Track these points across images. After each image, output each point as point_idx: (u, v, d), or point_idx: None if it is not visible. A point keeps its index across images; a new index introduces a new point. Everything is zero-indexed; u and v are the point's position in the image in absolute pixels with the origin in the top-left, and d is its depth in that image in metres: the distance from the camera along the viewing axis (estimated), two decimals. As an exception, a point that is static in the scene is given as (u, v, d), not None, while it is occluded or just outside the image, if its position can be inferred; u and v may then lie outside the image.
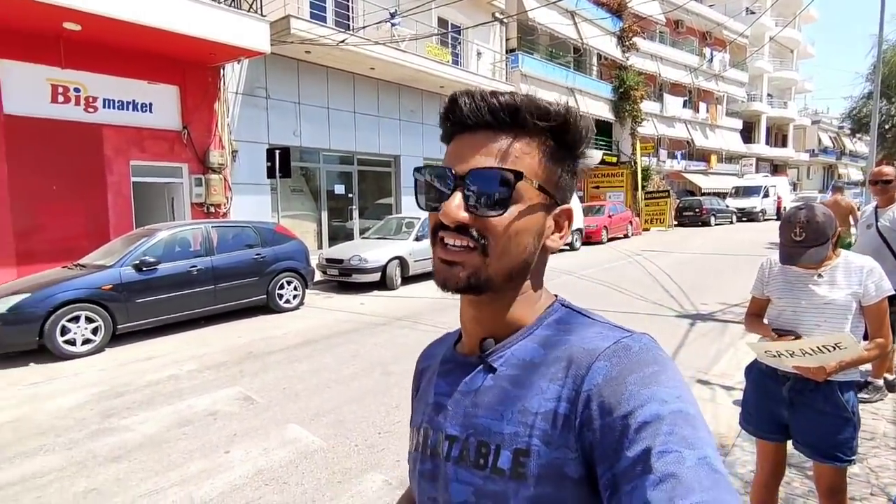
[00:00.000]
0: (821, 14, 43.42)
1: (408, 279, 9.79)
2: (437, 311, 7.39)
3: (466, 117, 0.62)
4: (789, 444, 2.08)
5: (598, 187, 22.60)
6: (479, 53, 15.95)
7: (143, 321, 6.21)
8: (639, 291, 8.51)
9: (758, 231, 19.52)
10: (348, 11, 12.29)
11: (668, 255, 13.21)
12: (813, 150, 41.70)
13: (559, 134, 0.63)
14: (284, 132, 11.31)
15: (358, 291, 9.10)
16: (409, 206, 14.09)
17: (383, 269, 9.22)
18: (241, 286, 7.20)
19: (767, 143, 36.78)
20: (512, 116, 0.60)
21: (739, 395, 4.07)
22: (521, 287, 0.66)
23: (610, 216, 17.48)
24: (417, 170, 0.67)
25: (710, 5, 28.86)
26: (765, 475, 2.14)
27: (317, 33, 10.39)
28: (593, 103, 21.59)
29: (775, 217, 26.85)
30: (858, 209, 6.06)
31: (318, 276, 9.17)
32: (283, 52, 10.60)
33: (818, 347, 1.80)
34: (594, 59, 22.24)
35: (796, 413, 1.98)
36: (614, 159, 22.71)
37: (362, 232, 12.72)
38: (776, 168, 37.76)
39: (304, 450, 3.35)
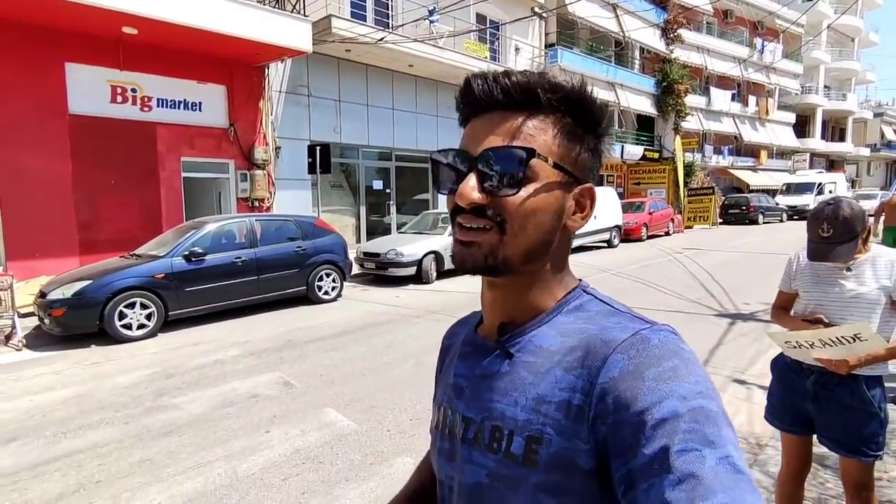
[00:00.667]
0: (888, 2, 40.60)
1: (443, 273, 9.90)
2: (473, 304, 7.46)
3: (480, 99, 0.62)
4: (815, 438, 2.06)
5: (638, 183, 22.11)
6: (517, 49, 15.87)
7: (192, 308, 6.57)
8: (678, 290, 8.34)
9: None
10: (388, 10, 12.49)
11: (710, 254, 12.83)
12: (875, 145, 39.34)
13: (576, 111, 0.62)
14: (325, 129, 11.62)
15: (394, 285, 9.29)
16: (445, 202, 14.20)
17: (419, 263, 9.37)
18: (283, 277, 7.50)
19: (823, 137, 34.91)
20: (525, 95, 0.60)
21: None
22: (541, 270, 0.65)
23: (650, 213, 17.08)
24: (434, 154, 0.67)
25: (763, -7, 27.60)
26: (790, 470, 2.12)
27: (357, 32, 10.63)
28: (635, 98, 21.10)
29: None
30: None
31: (355, 270, 9.41)
32: (324, 51, 10.89)
33: (837, 338, 1.78)
34: (636, 53, 21.71)
35: (821, 407, 1.96)
36: (656, 155, 22.15)
37: (399, 227, 12.93)
38: (832, 164, 35.83)
39: (338, 432, 3.51)
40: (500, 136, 0.60)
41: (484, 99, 0.62)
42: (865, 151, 38.70)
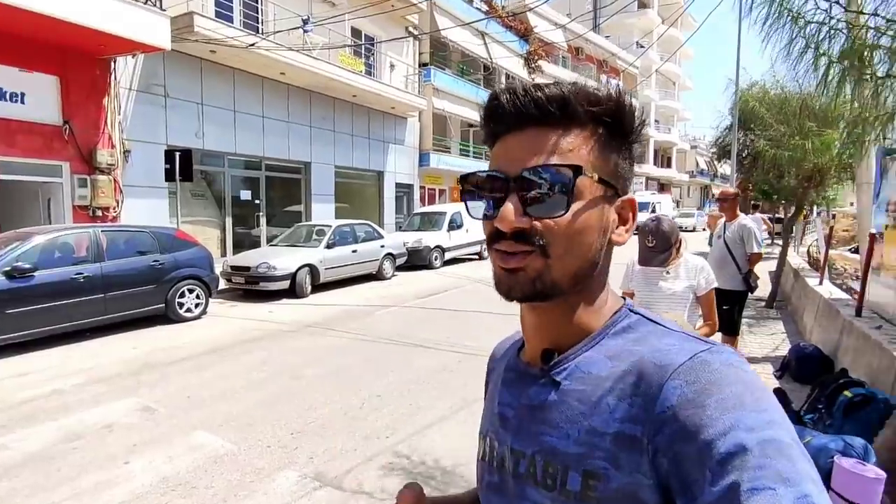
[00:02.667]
0: (696, 52, 49.27)
1: (318, 287, 9.66)
2: (349, 318, 7.41)
3: (511, 115, 0.58)
4: None
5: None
6: (392, 65, 16.19)
7: (17, 334, 5.60)
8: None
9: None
10: (257, 13, 11.98)
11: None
12: (692, 172, 46.91)
13: (611, 120, 0.58)
14: (185, 133, 10.71)
15: (266, 300, 8.82)
16: (321, 214, 13.89)
17: (293, 276, 9.03)
18: (136, 294, 6.73)
19: (655, 163, 40.74)
20: (561, 108, 0.56)
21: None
22: (586, 290, 0.61)
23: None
24: (464, 178, 0.62)
25: (607, 36, 31.60)
26: None
27: (224, 33, 10.02)
28: (501, 120, 22.65)
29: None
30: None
31: (222, 285, 8.77)
32: (184, 50, 10.08)
33: None
34: (502, 78, 23.40)
35: None
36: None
37: (270, 240, 12.31)
38: (662, 186, 41.87)
39: (212, 454, 3.27)
40: (540, 153, 0.56)
41: (516, 115, 0.58)
42: (685, 177, 46.03)
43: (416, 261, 12.69)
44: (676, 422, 0.48)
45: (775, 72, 8.41)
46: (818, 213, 15.50)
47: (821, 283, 6.41)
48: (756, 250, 4.39)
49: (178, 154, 9.12)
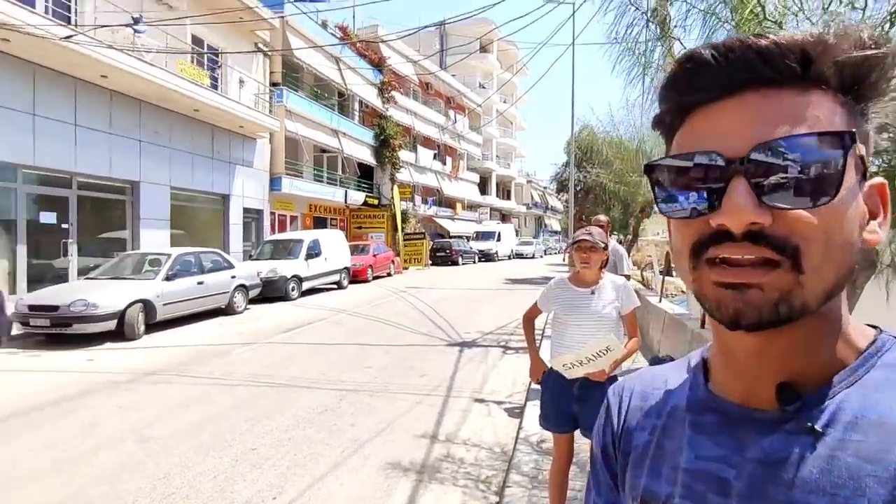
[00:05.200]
0: (531, 97, 55.66)
1: (154, 326, 8.18)
2: (201, 360, 6.34)
3: (720, 76, 0.44)
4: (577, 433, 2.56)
5: (360, 227, 23.34)
6: (241, 81, 14.98)
7: None
8: (410, 325, 8.92)
9: (494, 270, 22.93)
10: (69, 2, 10.11)
11: (429, 292, 14.30)
12: (528, 204, 51.79)
13: (860, 78, 0.44)
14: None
15: (82, 345, 7.15)
16: (151, 241, 11.99)
17: (121, 315, 7.50)
18: None
19: (498, 195, 44.13)
20: (803, 63, 0.42)
21: (511, 408, 4.60)
22: (833, 307, 0.46)
23: (375, 255, 18.12)
24: (650, 167, 0.48)
25: (453, 75, 33.60)
26: (561, 462, 2.56)
27: (21, 19, 8.20)
28: (357, 147, 22.47)
29: (507, 257, 32.06)
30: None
31: (15, 330, 6.90)
32: (-36, 34, 8.00)
33: (595, 354, 2.31)
34: (357, 105, 23.30)
35: (583, 406, 2.44)
36: (376, 201, 23.88)
37: (83, 272, 10.17)
38: (504, 217, 45.42)
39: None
40: (778, 123, 0.42)
41: (728, 75, 0.43)
42: (523, 208, 50.65)
43: (270, 292, 11.62)
44: None
45: (612, 114, 9.74)
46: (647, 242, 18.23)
47: (660, 301, 7.29)
48: (627, 272, 4.80)
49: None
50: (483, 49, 38.22)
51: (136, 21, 10.28)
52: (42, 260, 10.19)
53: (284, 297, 11.99)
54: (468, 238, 30.98)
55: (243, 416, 4.34)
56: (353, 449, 3.69)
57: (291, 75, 18.67)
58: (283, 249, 13.38)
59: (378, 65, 23.86)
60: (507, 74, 37.96)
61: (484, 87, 35.58)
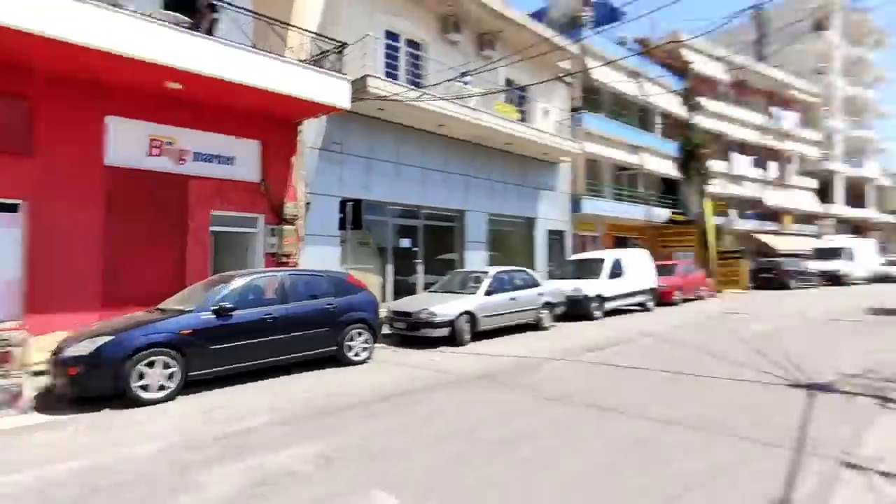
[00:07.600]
0: (893, 75, 41.52)
1: (476, 335, 9.32)
2: (520, 370, 6.86)
3: None
4: None
5: (665, 246, 21.63)
6: (545, 111, 16.04)
7: (217, 369, 6.03)
8: (731, 356, 7.62)
9: (847, 296, 17.83)
10: (418, 70, 12.75)
11: (754, 320, 12.07)
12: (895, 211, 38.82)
13: None
14: (354, 186, 11.49)
15: (426, 346, 8.69)
16: (473, 261, 13.83)
17: (452, 323, 8.82)
18: (314, 336, 6.97)
19: (848, 202, 34.64)
20: None
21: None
22: None
23: (683, 276, 16.46)
24: None
25: (776, 66, 28.29)
26: None
27: (391, 91, 10.72)
28: (658, 161, 21.12)
29: (864, 281, 24.67)
30: None
31: (384, 329, 8.88)
32: (357, 110, 10.96)
33: None
34: (658, 118, 21.99)
35: None
36: (682, 217, 21.84)
37: (426, 287, 12.48)
38: (857, 229, 35.21)
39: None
40: None
41: None
42: (890, 217, 38.15)
43: (574, 311, 11.81)
44: None
45: None
46: None
47: None
48: None
49: (349, 204, 9.72)
50: (819, 26, 31.04)
51: (464, 74, 12.18)
52: (401, 276, 12.96)
53: (587, 317, 12.02)
54: (803, 256, 25.10)
55: (564, 432, 4.42)
56: (677, 492, 3.28)
57: (591, 97, 18.97)
58: (586, 269, 13.48)
59: (681, 71, 22.03)
60: (856, 51, 29.74)
61: (822, 73, 28.62)
